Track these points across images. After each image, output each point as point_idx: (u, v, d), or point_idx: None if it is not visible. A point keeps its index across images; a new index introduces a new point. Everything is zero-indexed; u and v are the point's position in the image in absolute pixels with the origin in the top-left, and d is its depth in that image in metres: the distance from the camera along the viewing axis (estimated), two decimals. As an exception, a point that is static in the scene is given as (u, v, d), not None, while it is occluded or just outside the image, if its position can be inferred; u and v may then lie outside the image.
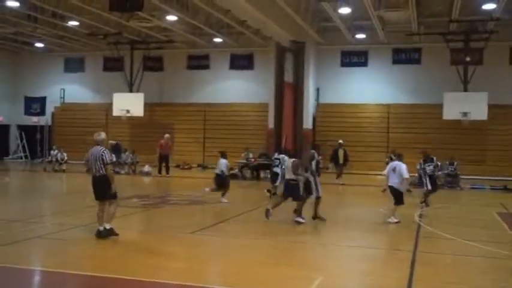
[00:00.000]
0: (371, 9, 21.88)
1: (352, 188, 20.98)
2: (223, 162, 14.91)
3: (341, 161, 22.13)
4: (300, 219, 11.60)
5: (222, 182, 14.85)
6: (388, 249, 9.82)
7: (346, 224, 11.68)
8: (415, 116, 27.32)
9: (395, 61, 28.25)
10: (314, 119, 28.56)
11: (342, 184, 20.99)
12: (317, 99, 28.90)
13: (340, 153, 22.16)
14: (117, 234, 9.42)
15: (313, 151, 12.25)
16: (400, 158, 12.39)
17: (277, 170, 16.02)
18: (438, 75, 26.54)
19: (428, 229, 11.23)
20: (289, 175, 11.84)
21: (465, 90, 24.94)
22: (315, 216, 11.83)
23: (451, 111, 24.44)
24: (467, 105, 24.13)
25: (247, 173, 23.57)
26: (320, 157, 12.66)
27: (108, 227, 9.43)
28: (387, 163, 14.22)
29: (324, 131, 27.74)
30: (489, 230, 11.75)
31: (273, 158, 16.99)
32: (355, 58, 28.94)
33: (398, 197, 11.96)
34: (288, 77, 26.82)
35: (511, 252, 9.14)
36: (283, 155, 16.43)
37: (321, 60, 28.84)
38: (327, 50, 28.80)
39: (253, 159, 24.22)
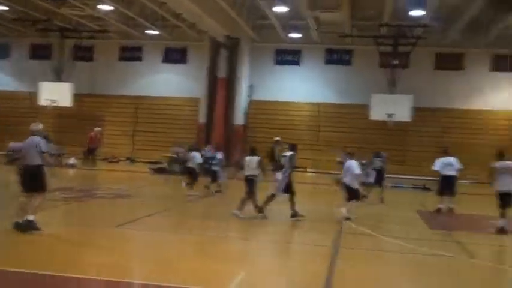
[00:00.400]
0: (306, 9, 22.22)
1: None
2: (196, 155, 15.83)
3: (277, 158, 22.05)
4: (237, 212, 11.72)
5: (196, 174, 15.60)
6: (312, 245, 10.03)
7: (275, 220, 11.84)
8: (342, 116, 28.05)
9: (328, 61, 28.83)
10: (246, 115, 28.70)
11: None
12: (250, 95, 29.04)
13: (277, 150, 21.76)
14: (38, 229, 8.98)
15: (293, 152, 12.33)
16: (350, 156, 12.87)
17: (216, 168, 16.16)
18: (368, 77, 27.33)
19: (352, 226, 11.56)
20: (250, 171, 12.03)
21: (392, 92, 25.86)
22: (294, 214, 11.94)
23: (377, 112, 25.27)
24: (392, 107, 25.01)
25: (176, 167, 23.31)
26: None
27: (31, 218, 9.01)
28: (341, 163, 14.37)
29: (256, 128, 27.93)
30: (409, 227, 12.26)
31: (208, 156, 16.92)
32: (288, 57, 29.30)
33: (352, 193, 12.33)
34: (221, 72, 26.82)
35: (428, 248, 9.57)
36: (219, 154, 16.64)
37: (255, 57, 28.98)
38: (262, 48, 28.98)
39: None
